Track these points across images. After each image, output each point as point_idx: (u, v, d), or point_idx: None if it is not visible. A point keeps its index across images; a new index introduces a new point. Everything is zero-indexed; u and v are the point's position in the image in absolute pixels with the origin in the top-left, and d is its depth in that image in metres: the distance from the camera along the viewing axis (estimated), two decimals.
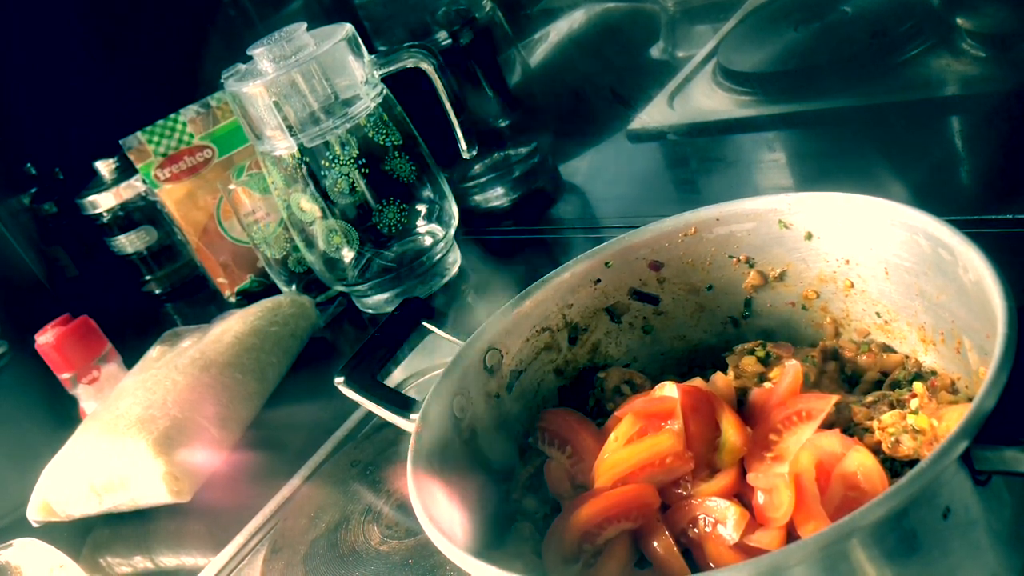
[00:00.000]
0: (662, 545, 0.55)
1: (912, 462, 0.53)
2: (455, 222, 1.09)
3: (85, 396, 1.15)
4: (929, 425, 0.52)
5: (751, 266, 0.68)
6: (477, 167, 1.24)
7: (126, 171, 1.44)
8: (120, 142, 1.30)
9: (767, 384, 0.63)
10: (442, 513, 0.55)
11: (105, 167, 1.46)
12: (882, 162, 0.89)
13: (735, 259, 0.68)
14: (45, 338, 1.13)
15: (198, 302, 1.45)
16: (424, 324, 0.73)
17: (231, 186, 1.18)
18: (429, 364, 0.93)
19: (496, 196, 1.24)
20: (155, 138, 1.29)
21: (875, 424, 0.55)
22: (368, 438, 0.92)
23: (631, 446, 0.59)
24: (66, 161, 1.50)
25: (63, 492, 0.98)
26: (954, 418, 0.51)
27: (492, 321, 0.68)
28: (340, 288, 1.12)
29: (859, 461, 0.52)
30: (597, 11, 1.10)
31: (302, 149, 1.01)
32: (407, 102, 1.07)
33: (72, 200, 1.47)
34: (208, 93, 1.31)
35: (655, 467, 0.57)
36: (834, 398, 0.57)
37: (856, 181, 0.65)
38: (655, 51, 1.08)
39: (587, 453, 0.64)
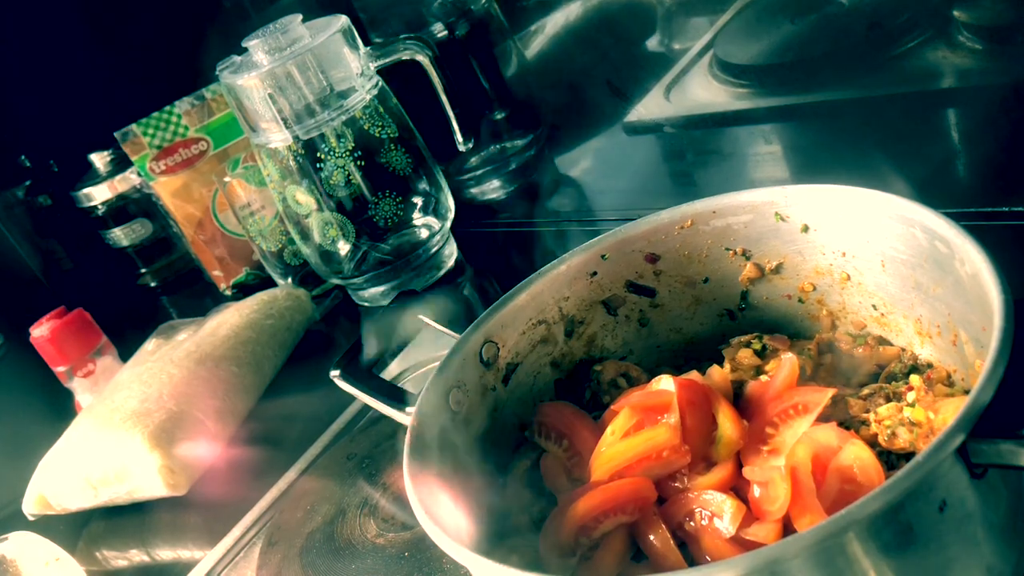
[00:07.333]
0: (659, 538, 0.55)
1: (908, 455, 0.53)
2: (451, 215, 1.09)
3: (80, 389, 1.14)
4: (925, 418, 0.52)
5: (747, 259, 0.68)
6: (473, 159, 1.24)
7: (121, 163, 1.43)
8: (115, 134, 1.30)
9: (763, 377, 0.63)
10: (438, 507, 0.55)
11: (100, 159, 1.46)
12: (879, 155, 0.89)
13: (731, 252, 0.68)
14: (40, 331, 1.12)
15: (194, 295, 1.45)
16: (420, 317, 0.73)
17: (226, 179, 1.18)
18: (425, 357, 0.93)
19: (492, 188, 1.24)
20: (150, 130, 1.29)
21: (871, 417, 0.55)
22: (364, 431, 0.92)
23: (627, 440, 0.59)
24: (61, 153, 1.50)
25: (59, 485, 0.98)
26: (950, 411, 0.51)
27: (488, 314, 0.68)
28: (336, 281, 1.12)
29: (855, 454, 0.52)
30: (593, 3, 1.10)
31: (297, 141, 1.00)
32: (403, 94, 1.07)
33: (67, 193, 1.47)
34: (203, 85, 1.31)
35: (652, 460, 0.57)
36: (830, 391, 0.57)
37: (853, 174, 0.65)
38: (652, 43, 1.08)
39: (584, 447, 0.64)
